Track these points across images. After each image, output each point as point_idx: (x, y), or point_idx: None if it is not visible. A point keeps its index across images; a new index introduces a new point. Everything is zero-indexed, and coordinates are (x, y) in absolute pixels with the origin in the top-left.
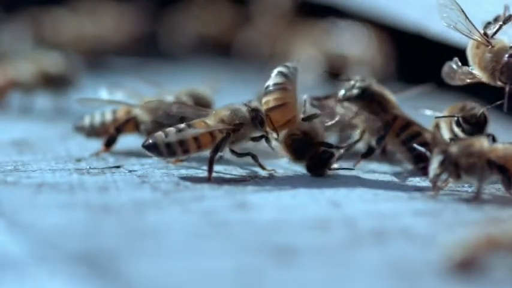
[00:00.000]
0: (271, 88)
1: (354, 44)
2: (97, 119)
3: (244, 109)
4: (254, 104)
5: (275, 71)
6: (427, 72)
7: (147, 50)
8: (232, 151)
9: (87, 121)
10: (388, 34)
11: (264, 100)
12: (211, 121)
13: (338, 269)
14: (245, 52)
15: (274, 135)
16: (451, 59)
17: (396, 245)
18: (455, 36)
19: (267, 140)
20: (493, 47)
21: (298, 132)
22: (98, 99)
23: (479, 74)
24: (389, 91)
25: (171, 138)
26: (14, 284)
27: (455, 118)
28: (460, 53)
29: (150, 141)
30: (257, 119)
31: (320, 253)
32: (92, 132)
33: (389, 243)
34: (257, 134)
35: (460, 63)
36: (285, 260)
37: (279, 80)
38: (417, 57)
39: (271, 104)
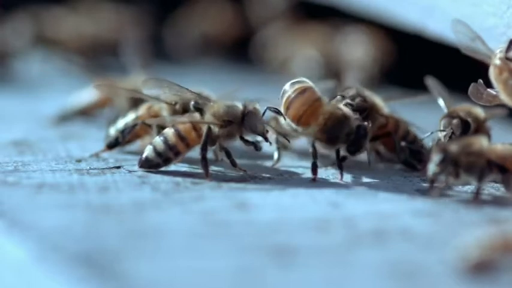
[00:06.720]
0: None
1: (353, 46)
2: (119, 125)
3: (239, 108)
4: (252, 106)
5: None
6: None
7: (150, 51)
8: (222, 147)
9: (112, 131)
10: (387, 35)
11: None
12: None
13: (338, 269)
14: (249, 54)
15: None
16: (451, 59)
17: (396, 245)
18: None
19: (256, 147)
20: None
21: (327, 115)
22: (116, 86)
23: (506, 100)
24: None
25: (156, 143)
26: (14, 284)
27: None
28: (459, 53)
29: (142, 157)
30: (249, 121)
31: (320, 253)
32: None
33: (389, 243)
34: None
35: (484, 86)
36: (285, 260)
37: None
38: (417, 57)
39: (292, 95)
